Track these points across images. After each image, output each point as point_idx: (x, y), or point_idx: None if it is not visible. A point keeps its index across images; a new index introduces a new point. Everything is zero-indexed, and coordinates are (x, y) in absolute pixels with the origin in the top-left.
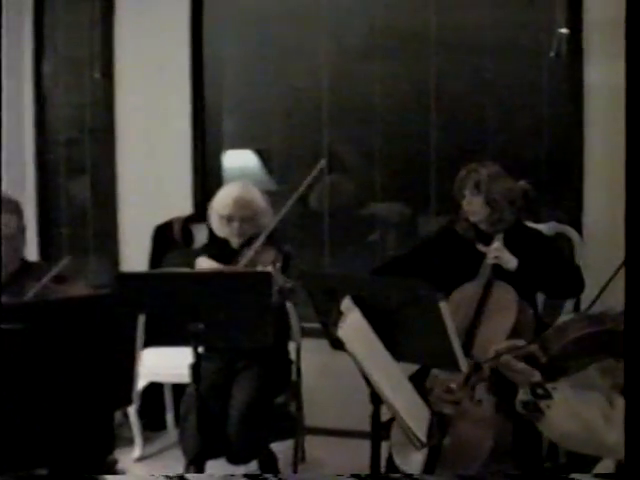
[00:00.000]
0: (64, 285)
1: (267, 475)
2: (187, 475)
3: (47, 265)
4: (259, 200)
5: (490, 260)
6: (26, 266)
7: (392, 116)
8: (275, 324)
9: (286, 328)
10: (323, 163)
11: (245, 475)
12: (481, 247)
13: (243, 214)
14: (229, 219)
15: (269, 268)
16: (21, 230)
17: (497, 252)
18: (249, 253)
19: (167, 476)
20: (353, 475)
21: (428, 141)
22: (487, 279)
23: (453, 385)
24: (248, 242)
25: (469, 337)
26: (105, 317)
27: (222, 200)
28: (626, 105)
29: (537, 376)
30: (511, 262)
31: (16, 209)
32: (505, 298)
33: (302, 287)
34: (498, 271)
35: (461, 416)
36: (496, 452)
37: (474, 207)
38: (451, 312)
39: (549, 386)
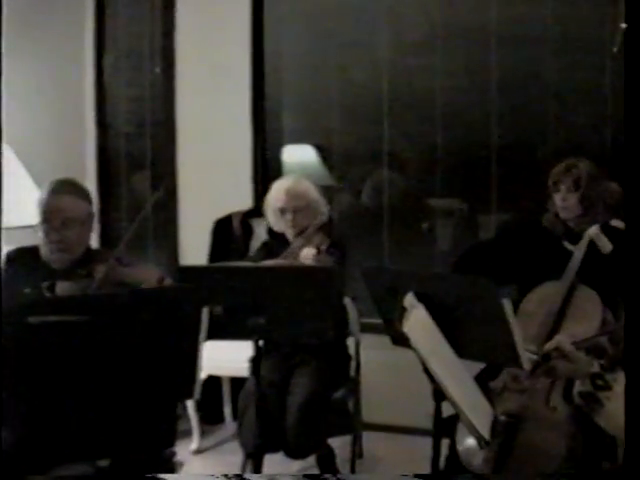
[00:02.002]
0: (129, 267)
1: (327, 475)
2: (246, 475)
3: (111, 251)
4: (311, 191)
5: (592, 233)
6: (91, 253)
7: (452, 111)
8: (335, 319)
9: (345, 323)
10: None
11: (305, 475)
12: (568, 245)
13: (296, 205)
14: (282, 211)
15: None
16: (89, 217)
17: (595, 234)
18: (299, 240)
19: (225, 475)
20: (417, 475)
21: (488, 136)
22: (572, 280)
23: (520, 373)
24: (302, 234)
25: (551, 336)
26: (169, 310)
27: (275, 193)
28: (625, 105)
29: (596, 367)
30: (607, 246)
31: (85, 196)
32: (588, 305)
33: (364, 284)
34: (583, 274)
35: (535, 422)
36: (568, 459)
37: (569, 203)
38: (533, 309)
39: (610, 377)
